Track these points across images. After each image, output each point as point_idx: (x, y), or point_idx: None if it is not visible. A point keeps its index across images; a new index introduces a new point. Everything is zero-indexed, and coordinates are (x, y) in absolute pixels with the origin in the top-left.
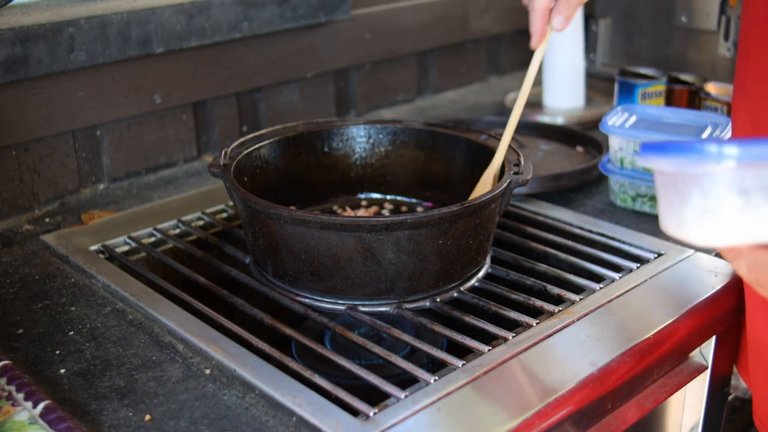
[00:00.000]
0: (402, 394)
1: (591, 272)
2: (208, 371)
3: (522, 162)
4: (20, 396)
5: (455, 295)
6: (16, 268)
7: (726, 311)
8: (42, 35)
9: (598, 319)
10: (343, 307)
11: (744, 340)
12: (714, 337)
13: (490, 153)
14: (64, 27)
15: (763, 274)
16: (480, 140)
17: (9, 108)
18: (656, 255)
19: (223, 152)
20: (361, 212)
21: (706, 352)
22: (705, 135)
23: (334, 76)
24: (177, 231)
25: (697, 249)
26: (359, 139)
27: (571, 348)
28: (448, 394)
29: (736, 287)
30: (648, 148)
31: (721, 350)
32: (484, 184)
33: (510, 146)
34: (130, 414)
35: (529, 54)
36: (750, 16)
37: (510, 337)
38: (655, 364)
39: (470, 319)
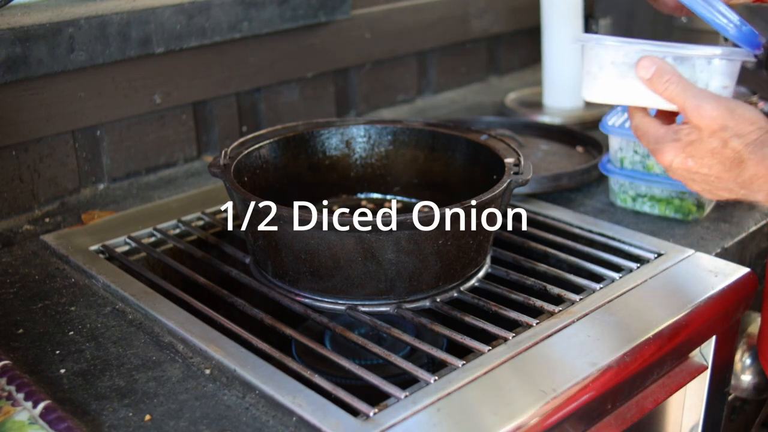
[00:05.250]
0: (402, 394)
1: (591, 272)
2: (208, 371)
3: (522, 162)
4: (20, 396)
5: (455, 295)
6: (16, 268)
7: (726, 311)
8: (42, 35)
9: (598, 319)
10: (343, 307)
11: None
12: (714, 337)
13: (490, 153)
14: (64, 27)
15: (642, 136)
16: (480, 140)
17: (9, 108)
18: (656, 255)
19: (223, 152)
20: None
21: (706, 352)
22: None
23: (334, 76)
24: (177, 231)
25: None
26: (359, 139)
27: (571, 348)
28: (448, 394)
29: (740, 285)
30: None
31: (721, 350)
32: None
33: (510, 146)
34: (130, 414)
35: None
36: None
37: (510, 337)
38: (655, 364)
39: (470, 319)
